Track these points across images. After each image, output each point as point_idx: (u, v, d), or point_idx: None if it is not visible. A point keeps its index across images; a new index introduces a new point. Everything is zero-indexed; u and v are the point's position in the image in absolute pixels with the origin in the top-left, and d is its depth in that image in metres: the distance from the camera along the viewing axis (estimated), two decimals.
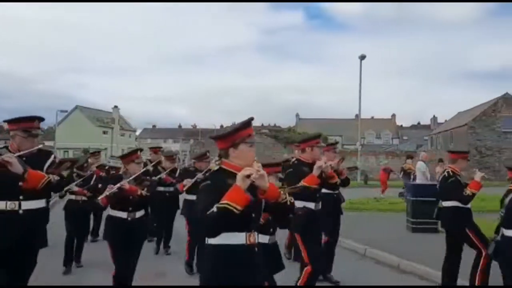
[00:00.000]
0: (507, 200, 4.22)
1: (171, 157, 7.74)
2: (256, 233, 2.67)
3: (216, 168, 2.74)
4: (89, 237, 8.17)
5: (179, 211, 7.24)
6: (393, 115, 66.32)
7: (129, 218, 4.53)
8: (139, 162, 4.73)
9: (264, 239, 3.58)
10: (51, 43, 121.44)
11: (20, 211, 3.47)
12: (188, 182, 6.08)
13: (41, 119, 3.63)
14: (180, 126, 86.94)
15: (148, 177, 4.86)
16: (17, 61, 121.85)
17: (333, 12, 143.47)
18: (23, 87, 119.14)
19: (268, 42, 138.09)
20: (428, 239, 8.08)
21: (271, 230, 3.93)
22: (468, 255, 5.09)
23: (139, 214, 4.60)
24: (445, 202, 5.24)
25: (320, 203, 4.74)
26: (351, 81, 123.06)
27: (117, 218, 4.54)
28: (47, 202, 3.81)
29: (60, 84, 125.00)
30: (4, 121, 3.60)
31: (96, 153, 8.71)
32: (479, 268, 4.88)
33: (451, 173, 5.19)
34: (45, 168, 3.60)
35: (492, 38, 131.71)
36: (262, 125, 76.94)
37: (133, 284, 4.66)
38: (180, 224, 7.20)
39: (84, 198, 6.50)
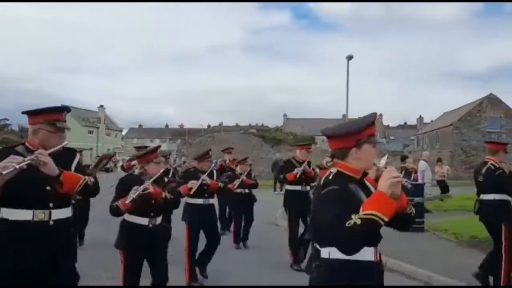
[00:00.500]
0: (483, 169, 4.49)
1: (164, 157, 7.37)
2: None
3: (334, 170, 2.29)
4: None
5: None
6: (380, 115, 66.77)
7: (150, 225, 3.98)
8: (158, 162, 4.18)
9: None
10: (37, 42, 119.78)
11: (51, 222, 2.80)
12: (193, 185, 5.53)
13: (68, 110, 3.05)
14: (167, 126, 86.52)
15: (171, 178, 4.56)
16: (0, 60, 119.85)
17: (320, 12, 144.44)
18: (6, 86, 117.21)
19: (256, 42, 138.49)
20: (415, 238, 8.06)
21: None
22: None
23: (159, 219, 4.11)
24: (488, 195, 5.03)
25: None
26: (338, 81, 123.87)
27: (136, 224, 3.96)
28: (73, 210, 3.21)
29: (45, 83, 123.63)
30: (24, 113, 2.91)
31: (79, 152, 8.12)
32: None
33: (496, 166, 4.99)
34: (72, 169, 2.96)
35: (478, 39, 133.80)
36: (250, 125, 77.08)
37: None
38: (175, 229, 6.57)
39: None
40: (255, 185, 8.09)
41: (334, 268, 2.19)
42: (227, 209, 9.27)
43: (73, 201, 5.38)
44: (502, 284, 4.79)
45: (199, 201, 5.70)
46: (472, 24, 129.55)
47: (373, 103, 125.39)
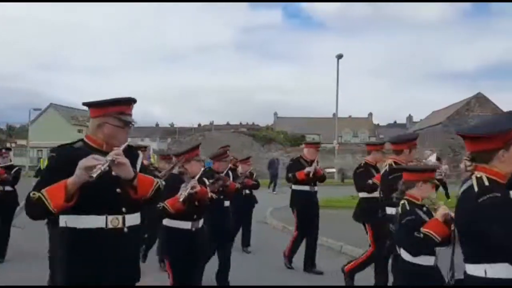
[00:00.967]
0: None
1: (168, 156, 6.81)
2: None
3: (481, 175, 2.07)
4: None
5: None
6: (370, 114, 67.29)
7: (193, 229, 3.70)
8: (199, 160, 3.89)
9: None
10: (23, 41, 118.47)
11: (125, 229, 2.45)
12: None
13: (135, 101, 2.62)
14: (157, 125, 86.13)
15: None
16: None
17: (311, 12, 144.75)
18: None
19: (247, 41, 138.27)
20: None
21: None
22: None
23: (201, 222, 3.82)
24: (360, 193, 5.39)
25: None
26: (329, 80, 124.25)
27: (178, 229, 3.67)
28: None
29: (32, 82, 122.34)
30: (86, 104, 2.54)
31: (3, 150, 7.30)
32: None
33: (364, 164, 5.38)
34: (137, 170, 2.59)
35: (466, 38, 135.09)
36: (240, 123, 77.02)
37: None
38: None
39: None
40: (257, 186, 7.77)
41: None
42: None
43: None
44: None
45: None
46: (461, 23, 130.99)
47: (362, 102, 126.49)
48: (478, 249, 2.02)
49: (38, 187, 2.24)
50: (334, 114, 63.14)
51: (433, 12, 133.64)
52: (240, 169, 7.60)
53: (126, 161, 2.33)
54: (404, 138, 4.77)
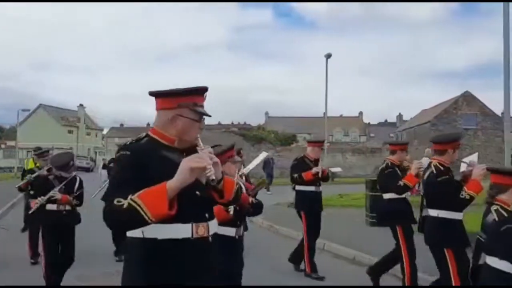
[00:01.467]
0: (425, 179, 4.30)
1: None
2: None
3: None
4: None
5: None
6: (361, 113, 67.70)
7: (237, 236, 3.49)
8: (235, 162, 3.61)
9: None
10: (12, 40, 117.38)
11: (210, 238, 2.16)
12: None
13: (207, 90, 2.27)
14: (148, 125, 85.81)
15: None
16: None
17: (301, 11, 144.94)
18: None
19: (238, 40, 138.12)
20: (385, 233, 8.31)
21: None
22: None
23: (242, 230, 3.62)
24: (386, 194, 5.31)
25: None
26: (320, 80, 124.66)
27: (226, 237, 3.34)
28: None
29: (21, 82, 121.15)
30: (153, 94, 2.20)
31: (45, 153, 7.11)
32: None
33: (389, 164, 5.30)
34: None
35: (455, 37, 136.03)
36: (232, 123, 77.03)
37: None
38: None
39: (67, 207, 5.10)
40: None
41: None
42: None
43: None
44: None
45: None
46: (451, 22, 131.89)
47: (353, 101, 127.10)
48: None
49: (119, 192, 1.87)
50: (324, 113, 64.21)
51: (424, 11, 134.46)
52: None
53: (218, 160, 2.07)
54: (450, 137, 4.50)
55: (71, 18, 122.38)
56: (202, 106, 2.19)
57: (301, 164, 6.13)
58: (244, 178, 7.09)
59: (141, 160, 2.00)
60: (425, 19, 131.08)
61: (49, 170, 6.45)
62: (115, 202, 1.84)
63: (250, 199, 3.66)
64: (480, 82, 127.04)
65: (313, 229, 6.12)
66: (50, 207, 5.00)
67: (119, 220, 1.90)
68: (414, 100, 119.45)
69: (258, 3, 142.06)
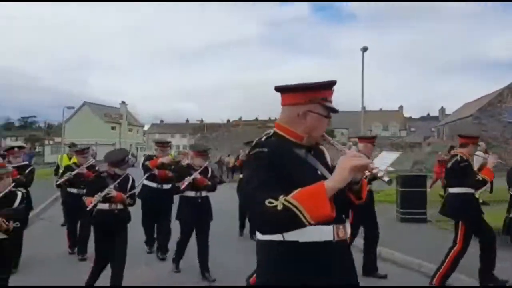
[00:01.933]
0: (449, 163, 5.07)
1: (203, 152, 6.03)
2: None
3: None
4: None
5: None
6: (401, 107, 66.03)
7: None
8: None
9: None
10: (54, 41, 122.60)
11: (347, 240, 2.12)
12: None
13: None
14: (187, 121, 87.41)
15: None
16: (23, 59, 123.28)
17: (339, 4, 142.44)
18: (29, 84, 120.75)
19: (274, 35, 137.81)
20: (414, 229, 8.21)
21: None
22: None
23: None
24: (453, 188, 5.14)
25: None
26: (357, 73, 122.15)
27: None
28: None
29: (66, 81, 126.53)
30: (280, 89, 2.09)
31: (85, 150, 7.03)
32: None
33: (464, 158, 5.03)
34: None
35: (500, 27, 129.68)
36: (270, 118, 77.10)
37: None
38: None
39: (119, 206, 4.89)
40: None
41: None
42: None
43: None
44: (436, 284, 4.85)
45: None
46: (493, 11, 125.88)
47: (393, 94, 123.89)
48: None
49: (266, 192, 1.74)
50: (363, 108, 63.00)
51: (467, 1, 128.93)
52: None
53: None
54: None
55: (110, 19, 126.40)
56: (331, 101, 2.07)
57: None
58: None
59: (277, 158, 1.89)
60: (468, 8, 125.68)
61: (89, 167, 6.65)
62: (266, 203, 1.70)
63: None
64: None
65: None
66: (102, 206, 4.78)
67: (274, 222, 1.75)
68: (457, 93, 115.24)
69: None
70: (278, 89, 2.09)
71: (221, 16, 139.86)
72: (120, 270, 4.73)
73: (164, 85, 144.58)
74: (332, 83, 2.06)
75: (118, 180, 4.88)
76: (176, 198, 6.20)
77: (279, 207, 1.68)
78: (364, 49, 26.79)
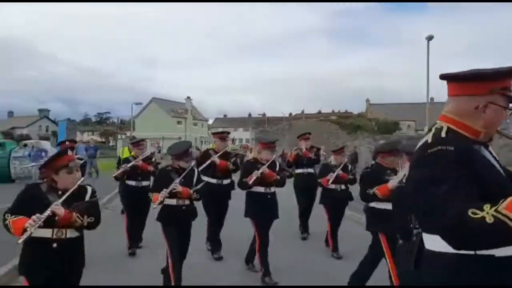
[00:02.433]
0: None
1: (271, 144, 5.69)
2: None
3: None
4: None
5: None
6: None
7: None
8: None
9: None
10: (122, 38, 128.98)
11: None
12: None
13: None
14: (250, 115, 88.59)
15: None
16: (98, 58, 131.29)
17: None
18: (102, 81, 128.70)
19: (339, 25, 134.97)
20: None
21: None
22: None
23: None
24: None
25: None
26: (423, 63, 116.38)
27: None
28: None
29: (134, 77, 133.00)
30: (447, 77, 1.89)
31: (141, 141, 7.06)
32: None
33: None
34: None
35: None
36: (333, 111, 76.13)
37: None
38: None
39: (186, 202, 4.72)
40: (353, 181, 6.69)
41: None
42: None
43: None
44: None
45: None
46: None
47: None
48: None
49: (463, 199, 1.57)
50: (431, 99, 60.09)
51: None
52: (332, 160, 6.90)
53: None
54: None
55: (176, 16, 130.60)
56: (511, 91, 1.80)
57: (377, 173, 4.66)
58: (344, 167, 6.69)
59: (464, 157, 1.67)
60: None
61: (145, 159, 6.62)
62: (469, 213, 1.49)
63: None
64: None
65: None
66: (169, 201, 4.58)
67: (484, 237, 1.51)
68: None
69: None
70: (448, 77, 1.87)
71: (285, 8, 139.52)
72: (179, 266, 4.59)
73: (229, 79, 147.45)
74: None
75: (183, 174, 4.66)
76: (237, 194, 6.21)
77: (489, 219, 1.46)
78: (430, 38, 25.75)
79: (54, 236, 3.00)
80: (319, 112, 76.62)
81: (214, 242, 6.46)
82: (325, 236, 6.95)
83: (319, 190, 7.07)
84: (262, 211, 5.33)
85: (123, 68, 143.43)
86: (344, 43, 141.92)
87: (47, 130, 59.92)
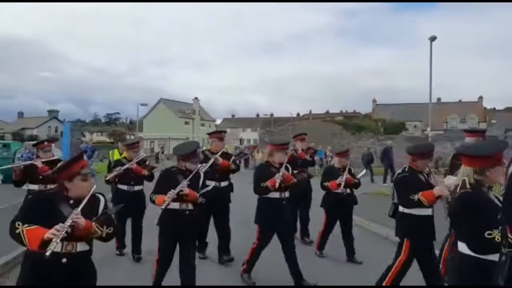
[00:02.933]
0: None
1: (285, 145, 5.31)
2: None
3: None
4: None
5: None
6: (480, 98, 61.75)
7: None
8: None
9: None
10: (130, 39, 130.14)
11: None
12: None
13: None
14: (257, 115, 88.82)
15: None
16: (108, 59, 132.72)
17: None
18: (112, 81, 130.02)
19: (347, 25, 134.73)
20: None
21: None
22: None
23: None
24: None
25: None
26: (434, 63, 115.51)
27: None
28: None
29: (144, 78, 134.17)
30: None
31: (136, 143, 6.58)
32: None
33: None
34: None
35: None
36: (341, 111, 76.10)
37: None
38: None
39: (190, 206, 4.42)
40: (359, 185, 6.47)
41: None
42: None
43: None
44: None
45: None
46: None
47: (472, 84, 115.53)
48: None
49: None
50: (438, 99, 59.94)
51: None
52: (336, 163, 6.59)
53: None
54: None
55: (187, 17, 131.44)
56: None
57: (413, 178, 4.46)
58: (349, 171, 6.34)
59: None
60: None
61: (139, 162, 6.21)
62: None
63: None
64: None
65: None
66: (172, 205, 4.25)
67: None
68: None
69: None
70: None
71: (293, 7, 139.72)
72: (193, 276, 4.33)
73: (240, 79, 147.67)
74: None
75: (190, 176, 4.35)
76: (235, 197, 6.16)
77: None
78: (433, 39, 25.70)
79: (64, 250, 2.69)
80: (327, 113, 76.53)
81: (223, 247, 6.15)
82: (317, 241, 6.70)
83: (321, 193, 6.58)
84: (276, 218, 4.98)
85: (135, 69, 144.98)
86: (353, 43, 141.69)
87: (56, 131, 60.73)
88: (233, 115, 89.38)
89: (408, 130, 47.26)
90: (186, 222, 4.35)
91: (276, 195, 4.95)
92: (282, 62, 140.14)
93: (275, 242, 5.14)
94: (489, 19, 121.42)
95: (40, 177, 5.75)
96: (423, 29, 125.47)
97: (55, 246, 2.48)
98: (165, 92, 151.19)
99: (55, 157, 6.18)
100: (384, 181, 17.21)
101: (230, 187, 6.31)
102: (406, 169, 4.41)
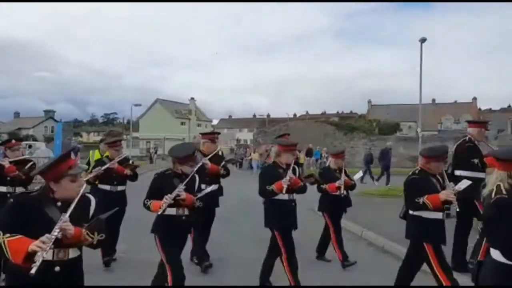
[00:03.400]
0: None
1: (293, 146, 5.25)
2: None
3: None
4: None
5: None
6: (474, 99, 62.15)
7: None
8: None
9: None
10: (129, 40, 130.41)
11: None
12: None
13: None
14: (254, 116, 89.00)
15: None
16: (107, 59, 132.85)
17: None
18: (109, 82, 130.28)
19: (345, 27, 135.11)
20: None
21: None
22: None
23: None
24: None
25: None
26: (428, 64, 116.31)
27: None
28: None
29: (142, 79, 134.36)
30: None
31: (117, 142, 6.35)
32: None
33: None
34: None
35: None
36: (337, 112, 76.29)
37: None
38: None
39: (186, 212, 4.25)
40: (354, 186, 6.41)
41: None
42: None
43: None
44: None
45: None
46: None
47: (468, 85, 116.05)
48: None
49: None
50: (433, 100, 60.25)
51: None
52: (332, 164, 6.42)
53: None
54: None
55: (182, 16, 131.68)
56: None
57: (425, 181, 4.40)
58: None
59: None
60: None
61: (121, 162, 5.99)
62: None
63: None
64: None
65: None
66: (169, 211, 4.06)
67: None
68: None
69: None
70: None
71: (290, 8, 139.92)
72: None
73: (236, 79, 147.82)
74: None
75: (187, 180, 4.15)
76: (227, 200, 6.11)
77: None
78: (422, 40, 25.92)
79: (56, 258, 2.50)
80: (323, 113, 76.83)
81: (202, 254, 5.91)
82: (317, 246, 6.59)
83: (318, 196, 6.42)
84: (288, 220, 4.92)
85: (132, 69, 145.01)
86: (351, 44, 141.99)
87: (52, 131, 60.81)
88: (230, 116, 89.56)
89: (402, 131, 47.49)
90: (183, 228, 4.25)
91: (284, 197, 4.88)
92: (280, 63, 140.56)
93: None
94: (486, 19, 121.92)
95: (8, 178, 5.40)
96: (420, 30, 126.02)
97: (41, 262, 2.23)
98: (162, 92, 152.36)
99: (23, 157, 5.92)
100: (377, 180, 17.56)
101: (219, 191, 6.18)
102: (417, 171, 4.37)
